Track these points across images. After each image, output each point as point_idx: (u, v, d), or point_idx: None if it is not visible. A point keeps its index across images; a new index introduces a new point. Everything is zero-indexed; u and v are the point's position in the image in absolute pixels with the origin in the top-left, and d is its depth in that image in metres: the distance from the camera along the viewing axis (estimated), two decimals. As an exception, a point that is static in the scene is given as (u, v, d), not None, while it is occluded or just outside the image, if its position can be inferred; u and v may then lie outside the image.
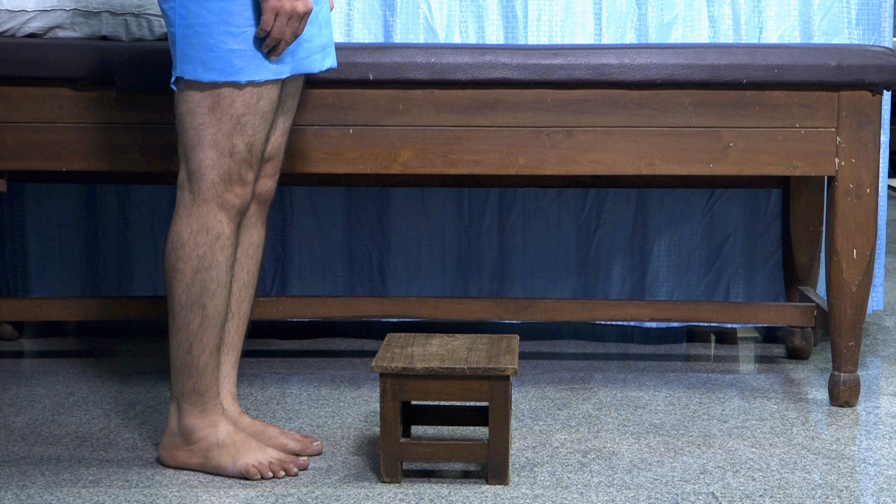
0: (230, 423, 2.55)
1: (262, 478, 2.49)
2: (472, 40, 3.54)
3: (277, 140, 2.60)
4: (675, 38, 3.53)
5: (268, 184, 2.62)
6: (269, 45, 2.41)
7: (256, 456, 2.51)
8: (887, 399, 3.11)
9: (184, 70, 2.43)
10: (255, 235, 2.63)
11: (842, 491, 2.46)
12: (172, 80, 2.47)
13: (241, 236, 2.61)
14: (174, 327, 2.50)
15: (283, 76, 2.46)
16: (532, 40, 3.51)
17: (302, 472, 2.55)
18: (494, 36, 3.53)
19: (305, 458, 2.59)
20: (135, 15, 3.08)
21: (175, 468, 2.55)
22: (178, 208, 2.48)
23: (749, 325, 3.75)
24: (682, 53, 2.95)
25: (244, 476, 2.49)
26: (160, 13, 3.09)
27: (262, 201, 2.62)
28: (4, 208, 3.69)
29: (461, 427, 2.81)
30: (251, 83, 2.43)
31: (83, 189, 3.68)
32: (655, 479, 2.52)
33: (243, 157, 2.46)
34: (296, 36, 2.41)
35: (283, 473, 2.50)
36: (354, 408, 3.00)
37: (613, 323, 3.70)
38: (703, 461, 2.63)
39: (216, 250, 2.47)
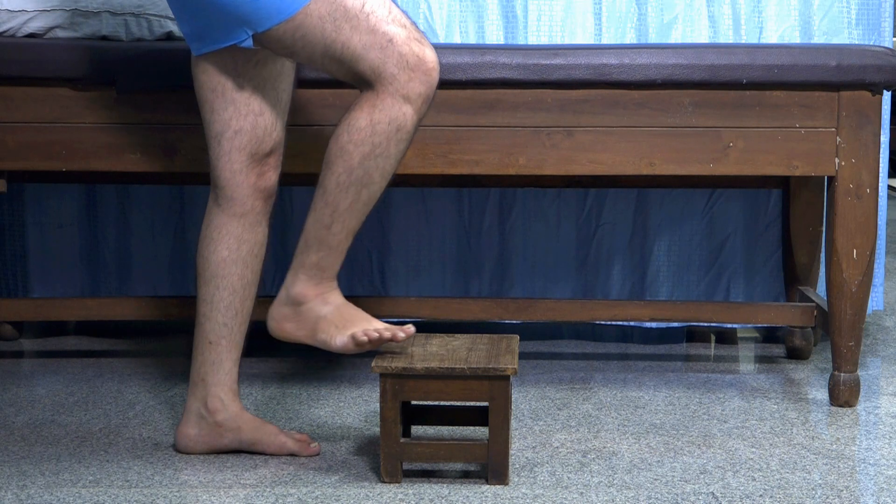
0: (340, 296, 2.54)
1: (370, 341, 2.47)
2: (472, 40, 3.54)
3: (279, 134, 2.60)
4: (675, 38, 3.53)
5: (272, 177, 2.61)
6: None
7: (363, 325, 2.50)
8: (887, 399, 3.11)
9: (268, 17, 2.42)
10: (260, 234, 2.63)
11: (842, 491, 2.46)
12: (243, 39, 2.45)
13: (247, 234, 2.61)
14: (321, 202, 2.48)
15: None
16: (532, 40, 3.51)
17: (302, 472, 2.55)
18: (494, 36, 3.53)
19: (316, 444, 2.64)
20: (135, 15, 3.08)
21: (282, 339, 2.55)
22: (359, 101, 2.45)
23: (749, 325, 3.75)
24: (682, 53, 2.95)
25: (355, 345, 2.48)
26: (160, 14, 3.09)
27: (267, 196, 2.62)
28: (4, 208, 3.69)
29: (461, 427, 2.81)
30: None
31: (83, 189, 3.68)
32: (655, 479, 2.52)
33: (405, 36, 2.43)
34: None
35: (388, 334, 2.49)
36: (354, 408, 3.00)
37: (613, 323, 3.70)
38: (703, 461, 2.63)
39: (392, 142, 2.45)
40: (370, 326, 2.50)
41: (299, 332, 2.54)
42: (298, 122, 2.95)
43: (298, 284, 2.53)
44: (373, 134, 2.43)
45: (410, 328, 2.51)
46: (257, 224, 2.62)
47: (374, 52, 2.42)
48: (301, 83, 2.92)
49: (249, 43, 2.47)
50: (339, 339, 2.50)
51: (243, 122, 2.56)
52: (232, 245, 2.61)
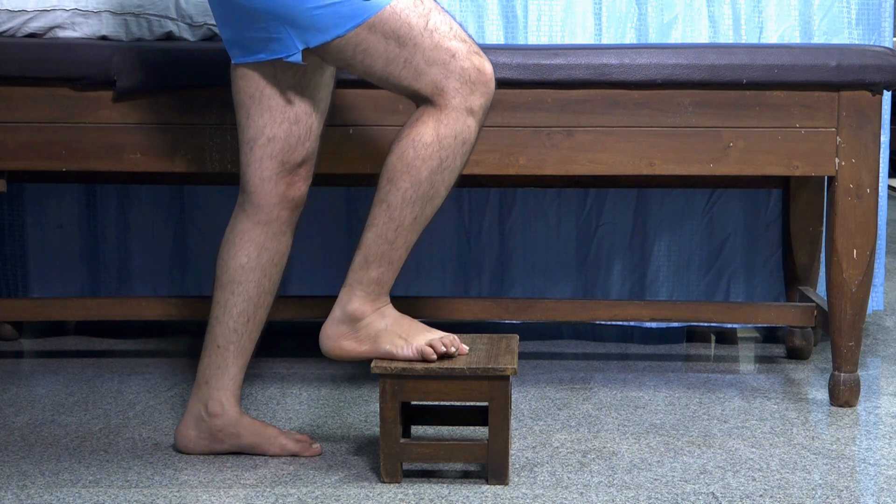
0: (394, 309, 2.55)
1: (437, 355, 2.48)
2: (472, 40, 3.53)
3: (312, 144, 2.59)
4: (675, 38, 3.53)
5: (301, 188, 2.60)
6: None
7: (428, 336, 2.51)
8: (887, 399, 3.11)
9: (325, 30, 2.42)
10: (283, 244, 2.62)
11: (842, 491, 2.46)
12: (292, 53, 2.45)
13: (269, 243, 2.60)
14: (385, 217, 2.48)
15: None
16: (532, 40, 3.51)
17: (302, 472, 2.55)
18: (494, 36, 3.53)
19: (318, 445, 2.65)
20: (135, 15, 3.09)
21: (340, 358, 2.54)
22: (421, 116, 2.46)
23: (749, 325, 3.75)
24: (682, 53, 2.95)
25: (422, 357, 2.48)
26: (160, 14, 3.09)
27: (294, 207, 2.60)
28: (4, 208, 3.69)
29: (461, 427, 2.81)
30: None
31: (83, 189, 3.68)
32: (655, 479, 2.52)
33: (466, 50, 2.45)
34: None
35: (453, 349, 2.50)
36: (354, 408, 3.00)
37: (613, 323, 3.70)
38: (703, 461, 2.63)
39: (458, 156, 2.46)
40: (435, 338, 2.51)
41: (361, 347, 2.53)
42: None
43: (356, 301, 2.52)
44: (440, 149, 2.44)
45: (465, 348, 2.53)
46: (281, 234, 2.61)
47: (436, 67, 2.43)
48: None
49: (298, 58, 2.46)
50: (406, 349, 2.50)
51: (277, 129, 2.54)
52: (252, 252, 2.60)
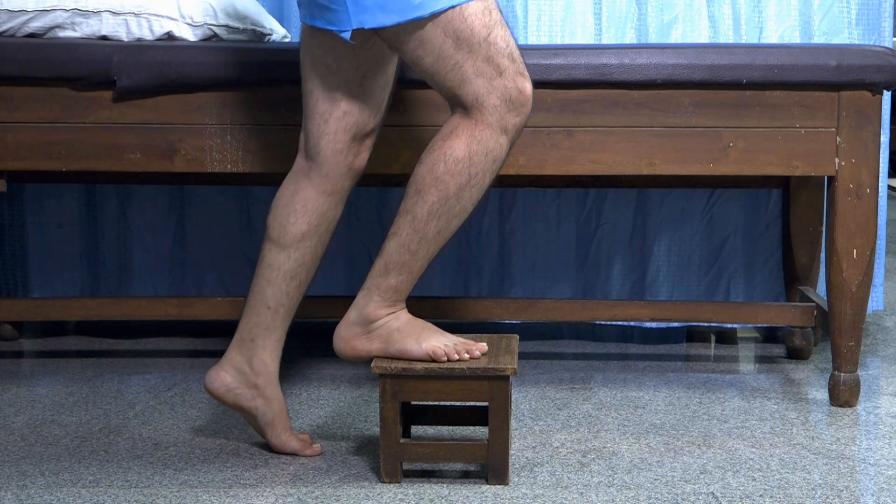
0: (408, 312, 2.56)
1: (448, 359, 2.49)
2: (472, 40, 3.53)
3: (382, 115, 2.61)
4: (675, 38, 3.53)
5: (365, 157, 2.62)
6: None
7: (441, 339, 2.52)
8: (887, 399, 3.11)
9: (388, 14, 2.41)
10: (339, 212, 2.65)
11: (842, 491, 2.46)
12: (344, 30, 2.44)
13: (331, 212, 2.62)
14: (410, 228, 2.49)
15: None
16: (532, 40, 3.51)
17: (302, 472, 2.55)
18: (494, 36, 3.53)
19: (318, 446, 2.66)
20: (135, 15, 3.08)
21: (352, 358, 2.56)
22: (455, 129, 2.46)
23: (749, 325, 3.75)
24: (682, 53, 2.95)
25: (432, 357, 2.50)
26: (160, 14, 3.09)
27: (356, 176, 2.62)
28: (4, 208, 3.69)
29: (461, 427, 2.81)
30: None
31: (83, 189, 3.68)
32: (655, 479, 2.52)
33: (514, 70, 2.44)
34: None
35: (466, 356, 2.51)
36: (354, 408, 3.00)
37: (613, 323, 3.70)
38: (703, 461, 2.63)
39: (487, 173, 2.47)
40: (448, 341, 2.52)
41: (372, 345, 2.55)
42: (298, 122, 2.94)
43: (372, 305, 2.54)
44: (470, 165, 2.45)
45: (483, 346, 2.54)
46: (340, 202, 2.64)
47: (482, 80, 2.43)
48: (295, 80, 2.92)
49: (347, 36, 2.46)
50: (416, 349, 2.51)
51: (353, 102, 2.56)
52: (314, 220, 2.62)
